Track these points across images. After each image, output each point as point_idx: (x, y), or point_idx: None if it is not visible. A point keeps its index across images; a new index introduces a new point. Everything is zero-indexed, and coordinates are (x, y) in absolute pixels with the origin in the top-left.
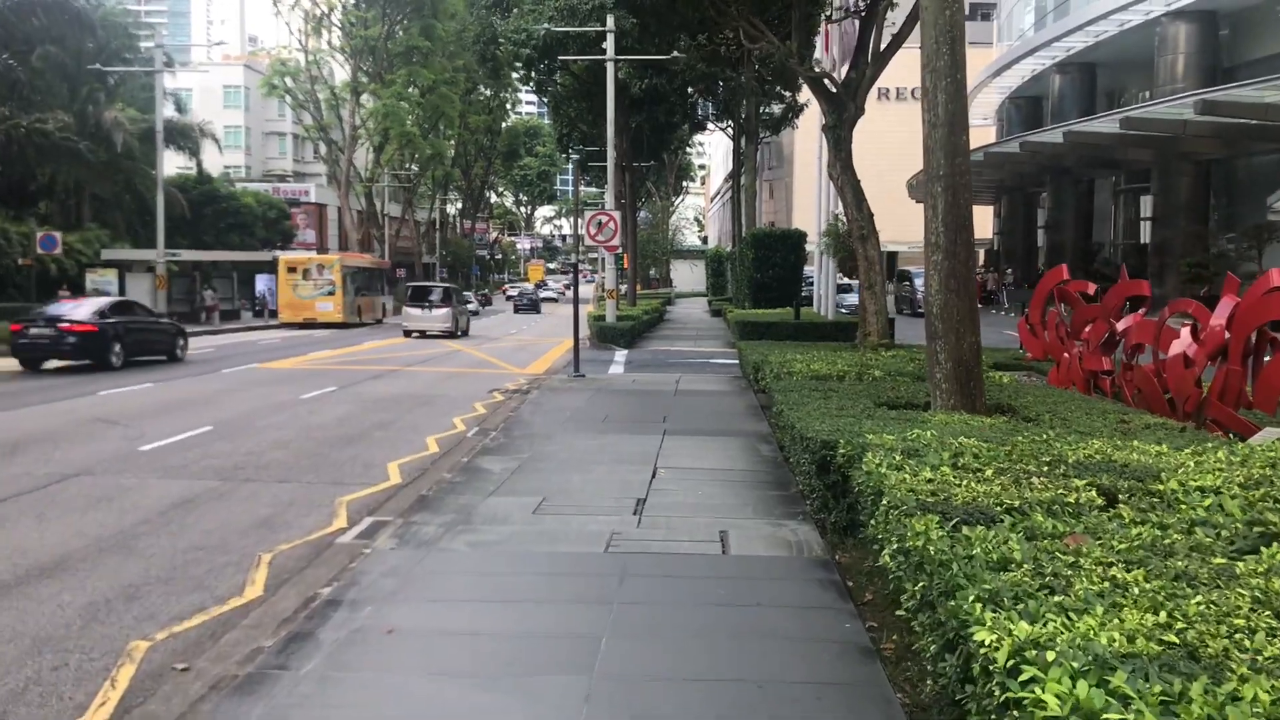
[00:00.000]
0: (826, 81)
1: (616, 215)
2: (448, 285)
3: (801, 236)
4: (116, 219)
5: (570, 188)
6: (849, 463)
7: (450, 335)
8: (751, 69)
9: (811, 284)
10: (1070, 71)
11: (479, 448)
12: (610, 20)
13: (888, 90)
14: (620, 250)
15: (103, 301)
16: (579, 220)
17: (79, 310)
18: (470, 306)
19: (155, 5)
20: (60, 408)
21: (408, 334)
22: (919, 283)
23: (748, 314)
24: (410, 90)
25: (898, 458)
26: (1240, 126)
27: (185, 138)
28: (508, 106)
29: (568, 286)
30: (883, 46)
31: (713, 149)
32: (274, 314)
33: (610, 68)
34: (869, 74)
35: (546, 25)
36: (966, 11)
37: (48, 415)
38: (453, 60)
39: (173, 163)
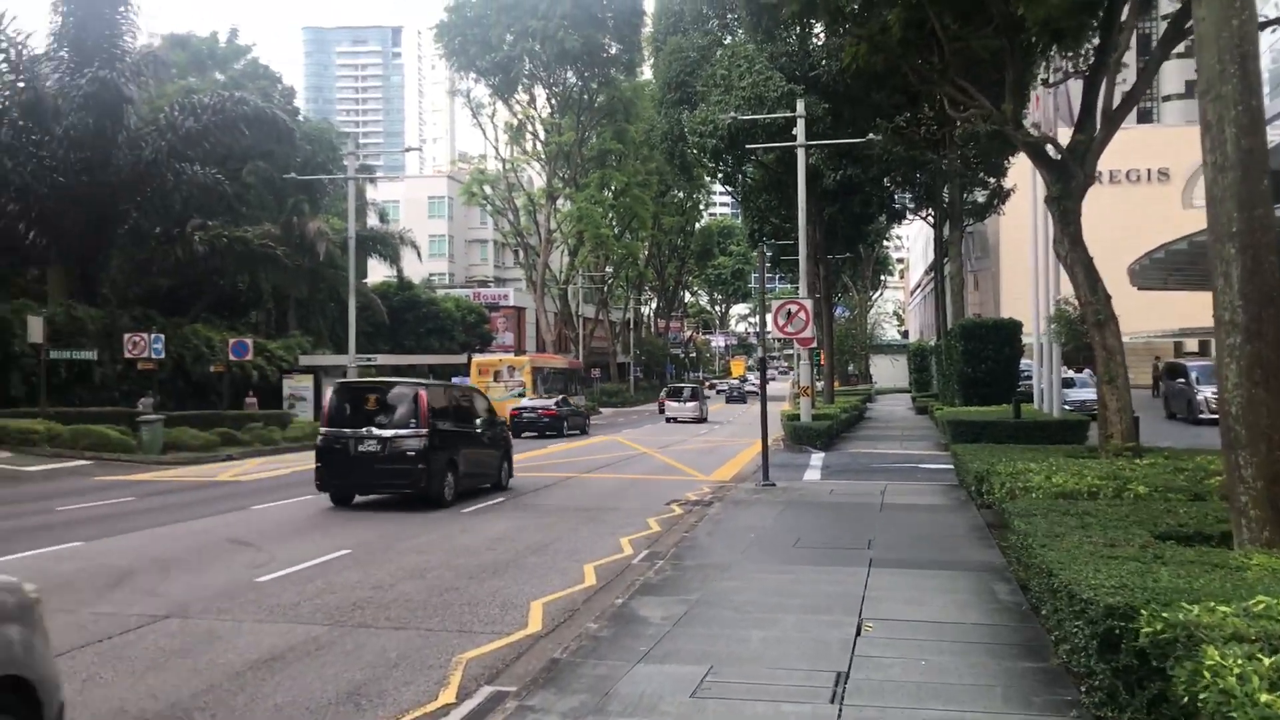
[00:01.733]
0: (1049, 148)
1: (808, 304)
2: (695, 385)
3: (1017, 326)
4: (320, 326)
5: (765, 283)
6: (1161, 650)
7: (698, 421)
8: (954, 150)
9: (1028, 378)
10: None
11: (640, 583)
12: (800, 105)
13: (1099, 173)
14: (814, 344)
15: (557, 396)
16: (765, 313)
17: (545, 402)
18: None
19: (372, 128)
20: (199, 526)
21: (669, 420)
22: (1197, 378)
23: (960, 412)
24: (604, 193)
25: (1265, 661)
26: None
27: (386, 246)
28: (701, 207)
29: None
30: (1114, 105)
31: (911, 240)
32: None
33: (800, 155)
34: (1099, 137)
35: (733, 114)
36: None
37: (187, 534)
38: (645, 163)
39: (378, 271)
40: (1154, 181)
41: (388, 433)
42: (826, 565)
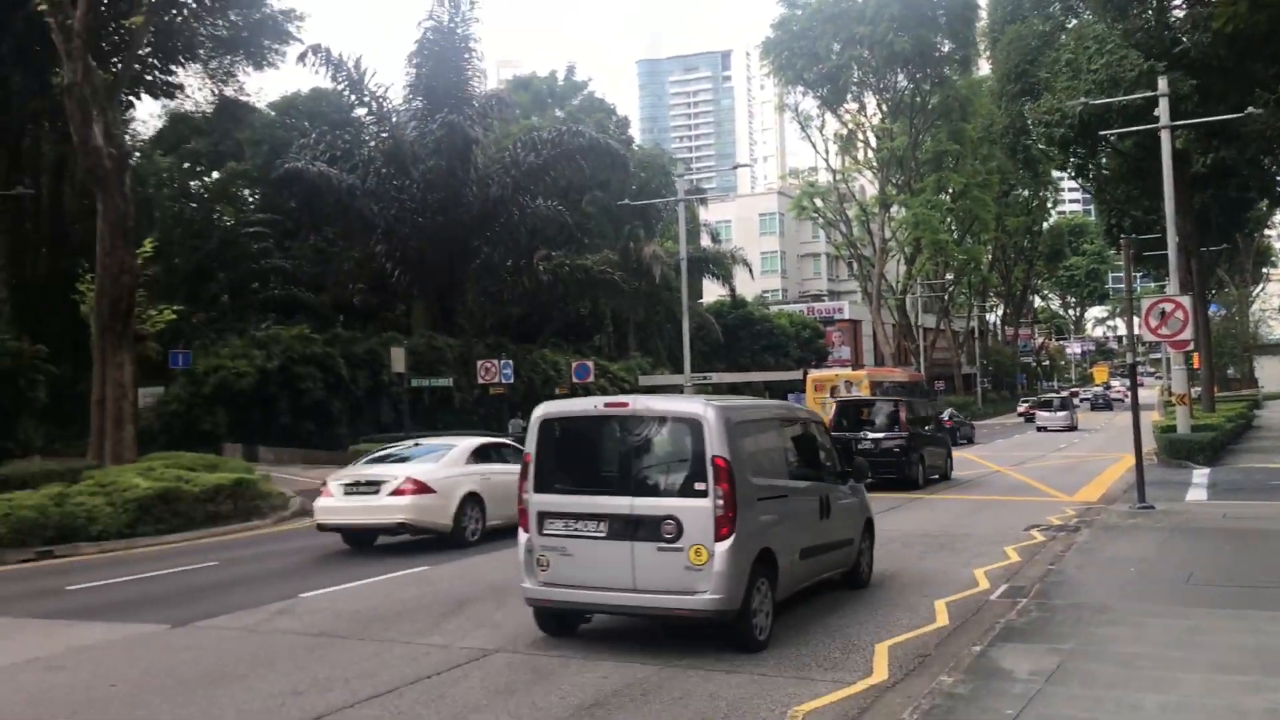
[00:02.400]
0: None
1: (1185, 302)
2: (1064, 396)
3: None
4: (658, 346)
5: (1131, 281)
6: None
7: (1069, 429)
8: None
9: None
10: None
11: (1001, 626)
12: (1162, 83)
13: None
14: (1190, 346)
15: (944, 409)
16: (1133, 314)
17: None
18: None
19: (704, 152)
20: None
21: (1040, 429)
22: None
23: None
24: (940, 197)
25: None
26: None
27: (718, 265)
28: (1049, 205)
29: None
30: None
31: None
32: None
33: (1165, 138)
34: None
35: (1083, 99)
36: None
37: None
38: (985, 163)
39: (712, 291)
40: None
41: (879, 435)
42: (1233, 608)
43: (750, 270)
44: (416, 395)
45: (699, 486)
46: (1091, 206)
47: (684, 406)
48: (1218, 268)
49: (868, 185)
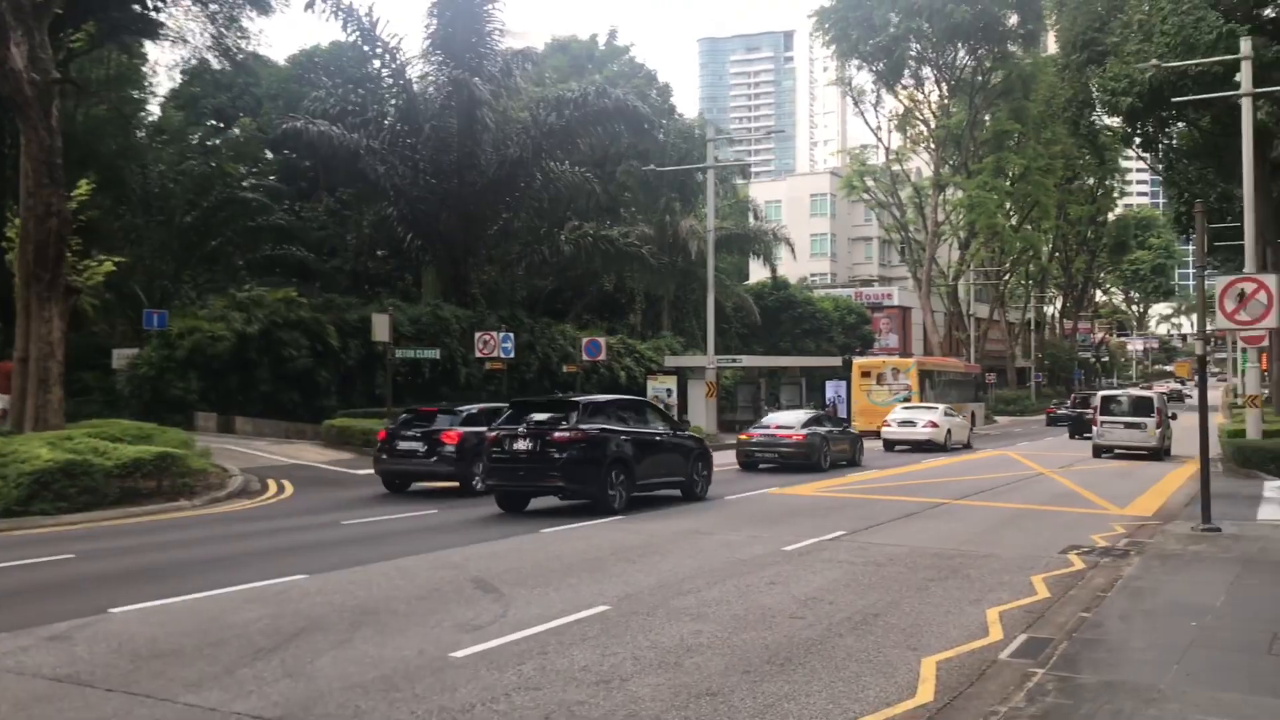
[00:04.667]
0: None
1: (1270, 282)
2: (1144, 394)
3: None
4: (693, 326)
5: (1196, 254)
6: None
7: (1152, 455)
8: None
9: None
10: None
11: (1003, 716)
12: (1244, 45)
13: None
14: (1265, 341)
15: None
16: (1204, 296)
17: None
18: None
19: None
20: (460, 555)
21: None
22: None
23: None
24: (999, 180)
25: None
26: None
27: (758, 243)
28: (1115, 195)
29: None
30: None
31: None
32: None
33: (1246, 107)
34: None
35: (1155, 62)
36: None
37: (433, 568)
38: (1048, 146)
39: (759, 272)
40: None
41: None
42: None
43: (793, 250)
44: (416, 367)
45: (1153, 415)
46: (1159, 199)
47: (1148, 394)
48: None
49: (923, 166)
